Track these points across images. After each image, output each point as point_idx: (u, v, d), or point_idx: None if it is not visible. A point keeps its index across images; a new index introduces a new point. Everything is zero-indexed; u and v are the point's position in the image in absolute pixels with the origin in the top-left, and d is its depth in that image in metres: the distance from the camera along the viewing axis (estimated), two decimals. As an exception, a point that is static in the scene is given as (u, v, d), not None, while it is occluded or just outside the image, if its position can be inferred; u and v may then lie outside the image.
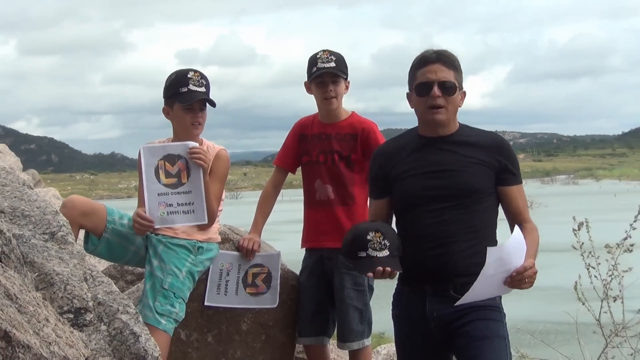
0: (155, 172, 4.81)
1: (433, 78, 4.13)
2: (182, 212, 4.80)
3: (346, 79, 5.30)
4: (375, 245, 4.00)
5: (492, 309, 4.14)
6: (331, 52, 5.26)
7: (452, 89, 4.14)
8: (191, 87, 4.87)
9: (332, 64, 5.21)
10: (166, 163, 4.80)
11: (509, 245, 3.87)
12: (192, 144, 4.83)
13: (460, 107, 4.25)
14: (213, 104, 4.95)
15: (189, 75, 4.90)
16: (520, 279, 3.88)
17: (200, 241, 4.92)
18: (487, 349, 4.07)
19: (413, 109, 4.30)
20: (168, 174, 4.80)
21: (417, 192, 4.18)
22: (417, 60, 4.23)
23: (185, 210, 4.80)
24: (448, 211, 4.11)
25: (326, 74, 5.21)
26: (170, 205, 4.80)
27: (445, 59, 4.16)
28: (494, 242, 4.18)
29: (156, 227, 4.82)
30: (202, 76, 4.93)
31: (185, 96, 4.87)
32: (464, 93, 4.25)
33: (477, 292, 3.90)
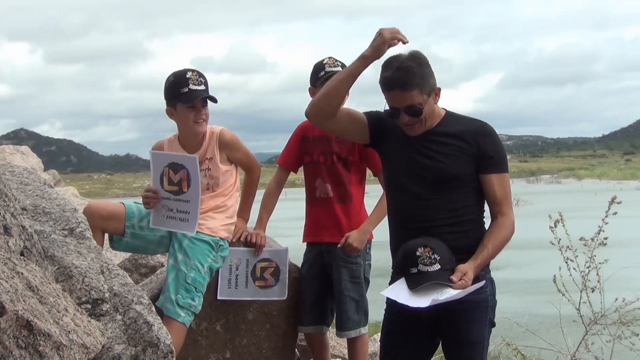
0: (160, 178, 4.83)
1: (398, 106, 4.03)
2: (178, 218, 4.82)
3: None
4: (426, 261, 3.90)
5: (479, 305, 4.12)
6: (336, 59, 5.26)
7: (418, 112, 4.02)
8: (191, 86, 4.82)
9: (339, 68, 5.19)
10: (170, 171, 4.80)
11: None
12: (193, 156, 4.80)
13: (436, 103, 4.14)
14: (214, 100, 4.91)
15: (187, 76, 4.85)
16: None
17: (221, 238, 4.94)
18: (466, 355, 4.15)
19: None
20: (170, 182, 4.80)
21: (403, 173, 4.14)
22: (381, 81, 4.07)
23: (182, 217, 4.81)
24: (429, 196, 4.06)
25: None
26: (170, 210, 4.83)
27: (401, 83, 3.98)
28: (478, 227, 4.16)
29: (154, 226, 4.87)
30: (200, 74, 4.89)
31: (187, 96, 4.82)
32: (438, 90, 4.12)
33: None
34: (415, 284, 3.91)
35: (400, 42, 4.08)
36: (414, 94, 3.99)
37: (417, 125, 4.09)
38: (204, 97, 4.87)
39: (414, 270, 3.92)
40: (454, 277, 3.89)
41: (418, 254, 3.92)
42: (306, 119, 5.48)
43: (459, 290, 3.86)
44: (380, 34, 4.05)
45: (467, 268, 3.94)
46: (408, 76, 3.97)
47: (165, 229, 4.88)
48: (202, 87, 4.86)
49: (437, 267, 3.90)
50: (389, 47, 4.09)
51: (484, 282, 4.01)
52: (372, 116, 4.29)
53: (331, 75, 5.16)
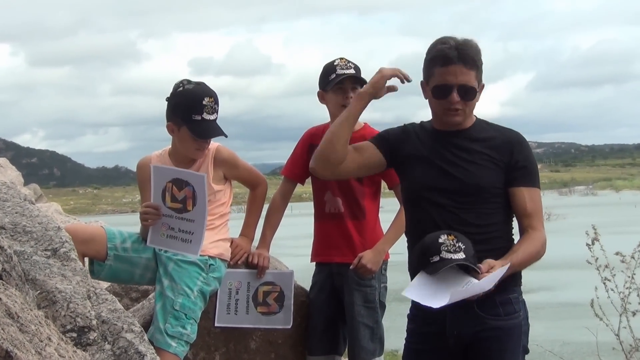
0: (162, 194, 4.83)
1: (452, 82, 4.00)
2: (180, 239, 4.81)
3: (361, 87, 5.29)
4: (450, 248, 3.82)
5: (512, 332, 4.09)
6: (348, 60, 5.26)
7: (471, 94, 4.03)
8: (205, 115, 4.83)
9: (352, 71, 5.20)
10: (174, 187, 4.80)
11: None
12: (201, 174, 4.81)
13: (477, 101, 4.13)
14: (225, 136, 4.94)
15: (204, 102, 4.84)
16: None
17: (211, 257, 4.92)
18: None
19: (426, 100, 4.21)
20: (174, 198, 4.81)
21: (425, 183, 4.11)
22: (436, 54, 4.05)
23: (184, 238, 4.81)
24: (455, 210, 4.04)
25: (347, 79, 5.19)
26: (172, 229, 4.83)
27: (467, 58, 3.99)
28: (507, 246, 4.11)
29: (150, 245, 4.88)
30: (216, 101, 4.90)
31: (198, 126, 4.83)
32: (482, 86, 4.13)
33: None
34: (437, 270, 3.83)
35: (400, 81, 4.19)
36: (472, 74, 4.02)
37: (461, 113, 4.08)
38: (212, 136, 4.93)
39: (436, 259, 3.84)
40: (482, 266, 3.83)
41: (441, 241, 3.85)
42: (313, 126, 5.49)
43: (485, 280, 3.77)
44: (379, 70, 4.19)
45: (496, 263, 3.88)
46: (473, 52, 4.02)
47: (163, 249, 4.87)
48: (214, 116, 4.89)
49: (461, 255, 3.83)
50: (388, 91, 4.21)
51: (509, 264, 3.88)
52: (378, 139, 4.33)
53: (344, 79, 5.16)
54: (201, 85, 4.93)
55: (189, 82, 4.94)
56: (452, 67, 4.00)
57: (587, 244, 7.50)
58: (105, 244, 4.83)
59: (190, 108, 4.85)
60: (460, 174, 4.07)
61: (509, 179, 4.09)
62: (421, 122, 4.33)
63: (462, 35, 4.12)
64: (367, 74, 5.34)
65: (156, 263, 4.91)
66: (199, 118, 4.83)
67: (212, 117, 4.86)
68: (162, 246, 4.86)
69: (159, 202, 4.84)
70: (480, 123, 4.21)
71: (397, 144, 4.25)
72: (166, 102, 4.99)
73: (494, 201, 4.09)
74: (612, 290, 7.65)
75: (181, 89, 4.91)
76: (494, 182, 4.08)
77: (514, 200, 4.09)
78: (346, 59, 5.26)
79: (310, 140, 5.43)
